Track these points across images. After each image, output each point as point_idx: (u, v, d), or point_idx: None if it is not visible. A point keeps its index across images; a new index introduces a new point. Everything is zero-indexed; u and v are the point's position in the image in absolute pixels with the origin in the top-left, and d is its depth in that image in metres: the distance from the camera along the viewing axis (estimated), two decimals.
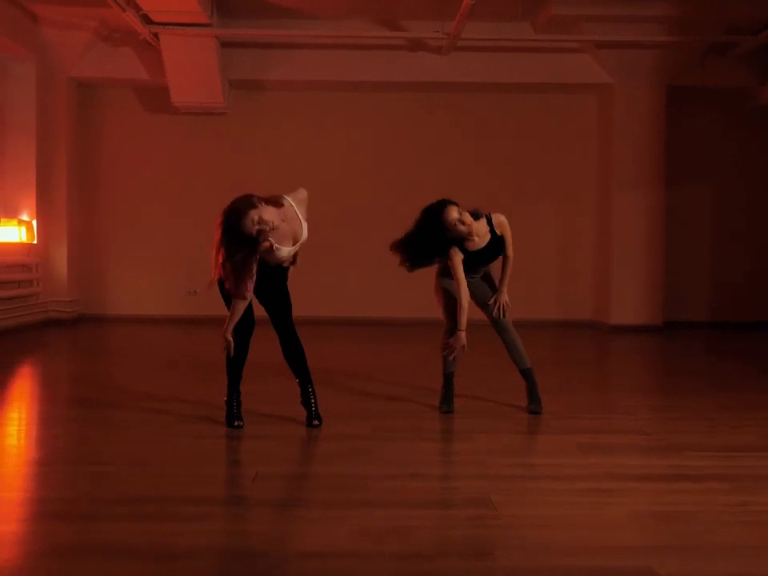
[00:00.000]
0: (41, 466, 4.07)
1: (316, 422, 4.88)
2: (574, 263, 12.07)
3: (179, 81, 10.79)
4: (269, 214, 4.37)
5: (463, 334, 5.05)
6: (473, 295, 5.28)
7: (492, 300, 5.30)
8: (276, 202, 4.54)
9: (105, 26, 10.65)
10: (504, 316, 5.29)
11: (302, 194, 4.85)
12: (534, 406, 5.32)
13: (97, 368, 7.66)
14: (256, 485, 3.72)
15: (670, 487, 3.75)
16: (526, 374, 5.38)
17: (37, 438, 4.72)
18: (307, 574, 2.75)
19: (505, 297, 5.30)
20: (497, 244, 5.17)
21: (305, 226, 4.75)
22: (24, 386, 6.80)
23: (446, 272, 5.21)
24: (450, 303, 5.24)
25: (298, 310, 5.03)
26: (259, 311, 4.89)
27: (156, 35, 10.24)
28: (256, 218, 4.29)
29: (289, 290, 4.94)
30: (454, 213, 4.92)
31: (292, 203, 4.70)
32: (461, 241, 5.02)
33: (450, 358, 5.29)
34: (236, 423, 4.84)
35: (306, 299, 12.15)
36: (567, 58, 11.20)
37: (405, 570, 2.76)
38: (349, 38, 10.83)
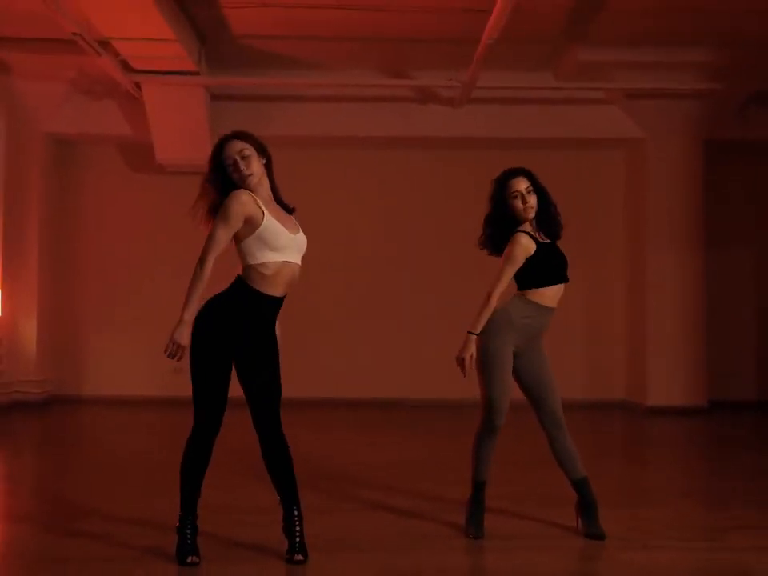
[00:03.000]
0: None
1: (299, 558, 3.60)
2: (603, 335, 10.81)
3: (164, 136, 9.72)
4: (257, 164, 3.68)
5: (473, 339, 4.05)
6: (525, 373, 4.11)
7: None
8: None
9: (84, 77, 9.60)
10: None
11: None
12: (594, 528, 4.02)
13: (55, 467, 6.37)
14: None
15: None
16: (581, 486, 4.08)
17: None
18: None
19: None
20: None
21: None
22: None
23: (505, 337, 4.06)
24: (498, 395, 4.04)
25: (293, 390, 3.84)
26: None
27: (138, 85, 9.23)
28: (239, 147, 3.67)
29: None
30: (522, 184, 4.17)
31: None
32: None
33: (463, 375, 4.07)
34: (189, 560, 3.56)
35: (302, 378, 11.02)
36: (593, 110, 10.12)
37: None
38: (353, 89, 9.82)
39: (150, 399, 10.23)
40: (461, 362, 4.06)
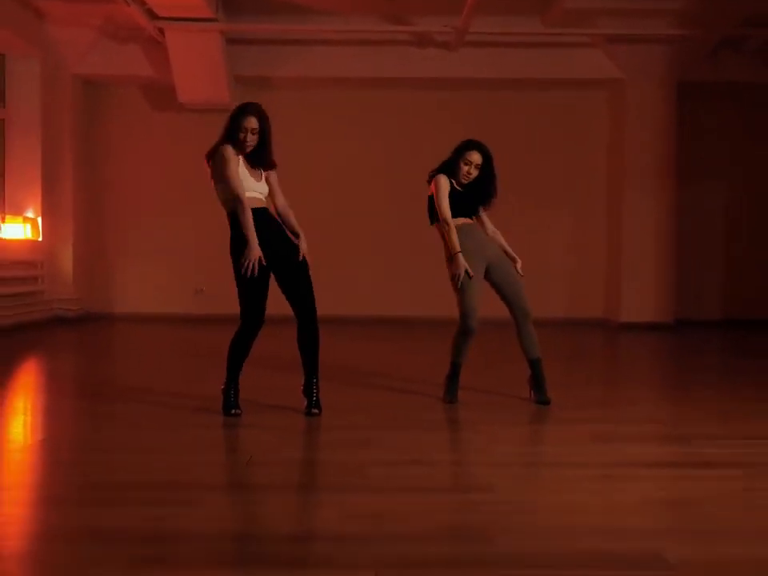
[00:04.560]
0: (34, 455, 3.96)
1: (315, 411, 4.75)
2: (584, 261, 11.89)
3: (185, 77, 10.69)
4: (256, 139, 4.68)
5: (460, 257, 5.02)
6: (499, 282, 5.19)
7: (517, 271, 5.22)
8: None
9: (111, 23, 10.54)
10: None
11: None
12: (542, 396, 5.16)
13: (101, 364, 7.56)
14: (248, 470, 3.60)
15: (681, 474, 3.61)
16: (536, 365, 5.21)
17: (38, 427, 4.68)
18: (296, 557, 2.62)
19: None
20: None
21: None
22: (27, 379, 6.70)
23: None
24: (464, 301, 5.07)
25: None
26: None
27: (161, 30, 10.17)
28: (255, 125, 4.64)
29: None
30: (476, 159, 5.12)
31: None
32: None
33: (458, 285, 5.06)
34: (233, 411, 4.71)
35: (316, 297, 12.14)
36: (577, 52, 11.05)
37: (397, 554, 2.62)
38: (357, 34, 10.72)
39: (174, 316, 11.42)
40: (456, 277, 5.06)
